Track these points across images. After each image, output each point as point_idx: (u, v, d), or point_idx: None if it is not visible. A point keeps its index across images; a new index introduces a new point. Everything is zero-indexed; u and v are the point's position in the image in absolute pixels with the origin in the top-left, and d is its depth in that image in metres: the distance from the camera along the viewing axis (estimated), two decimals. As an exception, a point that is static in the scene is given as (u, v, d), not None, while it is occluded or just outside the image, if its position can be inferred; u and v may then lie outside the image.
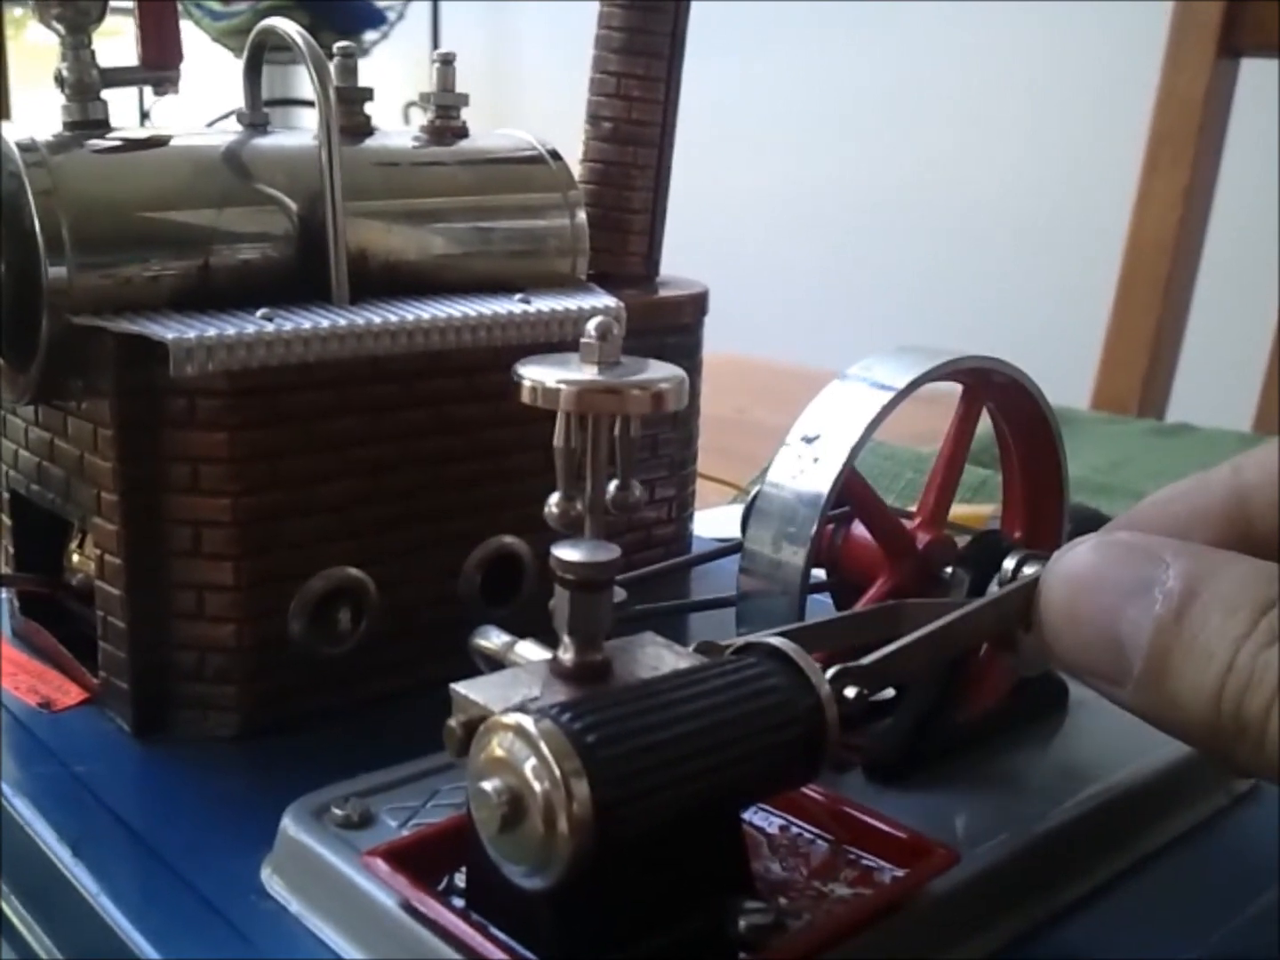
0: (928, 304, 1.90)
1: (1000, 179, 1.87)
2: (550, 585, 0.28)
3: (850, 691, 0.26)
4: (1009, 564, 0.33)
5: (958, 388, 0.36)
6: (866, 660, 0.27)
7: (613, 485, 0.29)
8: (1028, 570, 0.33)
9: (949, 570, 0.34)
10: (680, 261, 0.51)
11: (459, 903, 0.27)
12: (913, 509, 0.36)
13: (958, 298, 1.88)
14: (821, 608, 0.35)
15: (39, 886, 0.32)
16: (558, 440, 0.28)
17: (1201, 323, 1.08)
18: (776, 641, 0.26)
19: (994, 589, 0.33)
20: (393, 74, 2.28)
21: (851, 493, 0.34)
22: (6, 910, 0.33)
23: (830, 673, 0.26)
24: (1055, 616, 0.27)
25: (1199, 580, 0.25)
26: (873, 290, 2.01)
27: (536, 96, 2.12)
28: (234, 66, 0.40)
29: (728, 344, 0.64)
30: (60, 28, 0.37)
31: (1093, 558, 0.26)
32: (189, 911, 0.29)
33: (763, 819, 0.30)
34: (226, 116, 0.46)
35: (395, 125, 0.43)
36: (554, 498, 0.29)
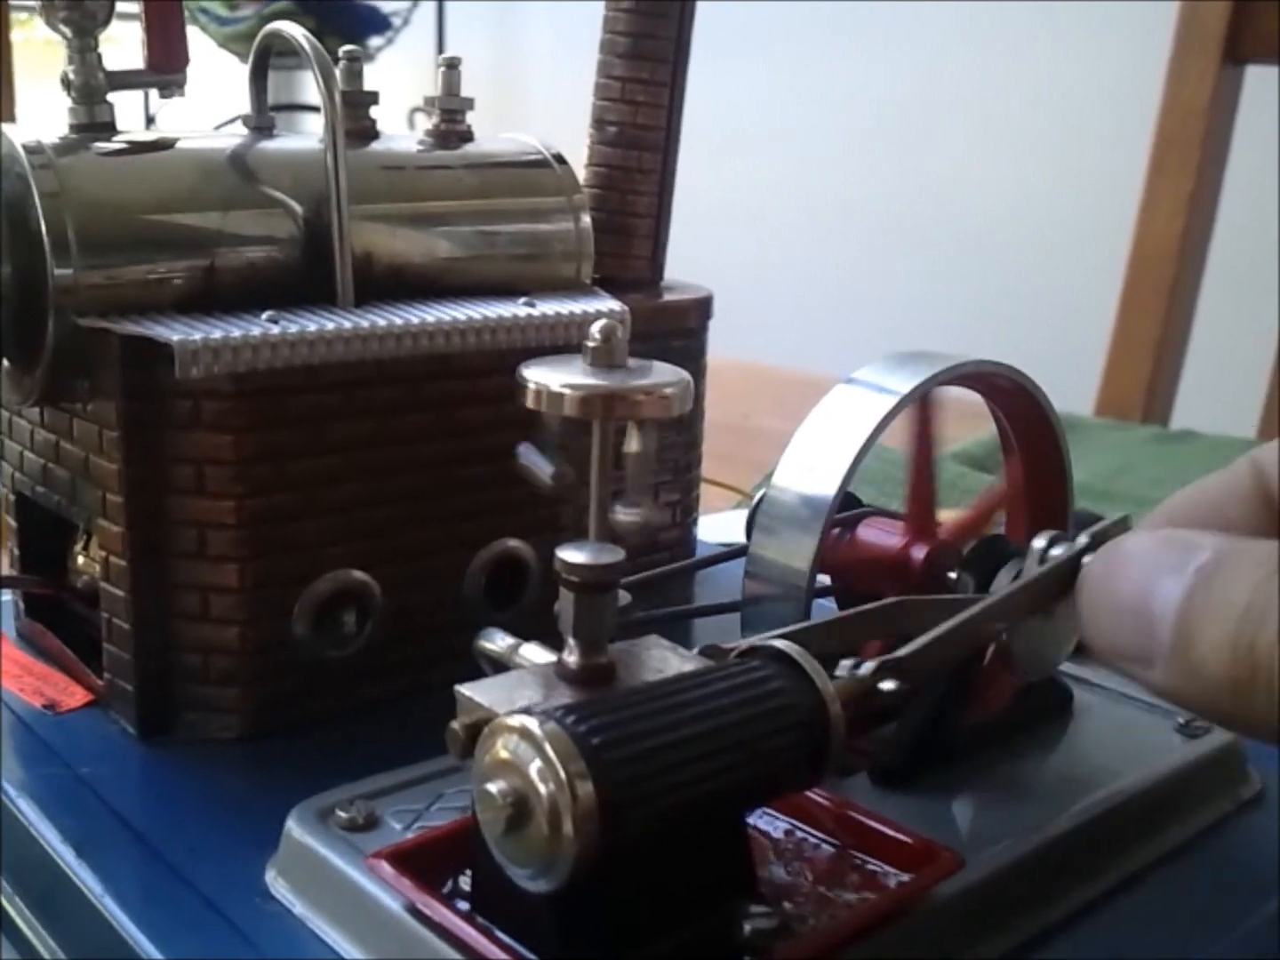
0: (932, 310, 1.90)
1: (1005, 185, 1.87)
2: (554, 589, 0.28)
3: (888, 685, 0.26)
4: (1039, 543, 0.32)
5: (962, 393, 0.36)
6: (904, 652, 0.27)
7: (619, 506, 0.28)
8: (1056, 551, 0.32)
9: (953, 575, 0.34)
10: (684, 266, 0.51)
11: (464, 906, 0.27)
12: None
13: (962, 303, 1.88)
14: (826, 612, 0.35)
15: (43, 888, 0.32)
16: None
17: (1206, 329, 1.08)
18: (781, 644, 0.26)
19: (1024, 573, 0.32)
20: (398, 79, 2.28)
21: (836, 556, 0.34)
22: (10, 911, 0.33)
23: (869, 666, 0.26)
24: (1092, 594, 0.27)
25: (1229, 552, 0.25)
26: (877, 295, 2.01)
27: (541, 100, 2.12)
28: (239, 72, 0.40)
29: (732, 349, 0.64)
30: (67, 31, 0.37)
31: (1136, 543, 0.27)
32: (193, 913, 0.29)
33: (768, 823, 0.30)
34: (232, 121, 0.46)
35: (400, 130, 0.43)
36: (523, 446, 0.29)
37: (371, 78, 0.41)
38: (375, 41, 2.39)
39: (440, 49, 2.54)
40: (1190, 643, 0.24)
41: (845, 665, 0.27)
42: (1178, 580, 0.25)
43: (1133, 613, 0.25)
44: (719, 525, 0.58)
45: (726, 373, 0.52)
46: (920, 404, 0.35)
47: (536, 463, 0.29)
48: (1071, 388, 0.69)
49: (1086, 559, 0.29)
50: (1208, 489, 0.30)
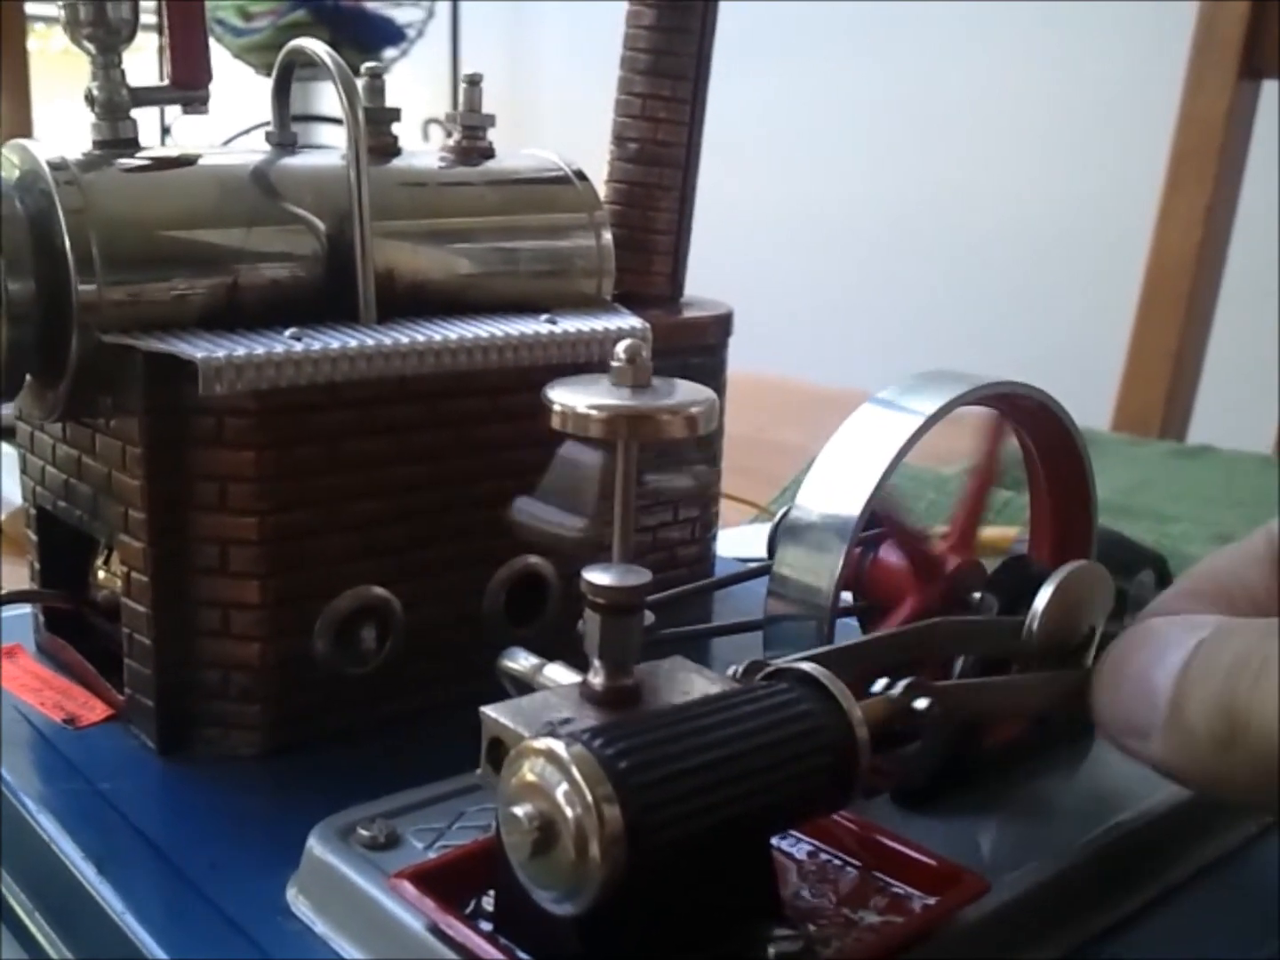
0: (949, 324, 1.90)
1: (1022, 198, 1.87)
2: (574, 606, 0.28)
3: (922, 703, 0.26)
4: None
5: (980, 410, 0.36)
6: (943, 683, 0.27)
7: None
8: None
9: (977, 596, 0.34)
10: (704, 282, 0.51)
11: (487, 926, 0.26)
12: (936, 529, 0.36)
13: (979, 317, 1.88)
14: (848, 631, 0.35)
15: (63, 903, 0.32)
16: None
17: (1223, 343, 1.08)
18: (808, 667, 0.26)
19: None
20: (413, 91, 2.29)
21: (884, 515, 0.34)
22: (30, 926, 0.33)
23: (903, 684, 0.27)
24: (1108, 668, 0.28)
25: (1226, 625, 0.26)
26: (894, 310, 2.01)
27: (556, 114, 2.12)
28: (255, 82, 0.40)
29: (748, 363, 0.64)
30: (91, 47, 0.37)
31: (1153, 623, 0.28)
32: (213, 930, 0.29)
33: (792, 845, 0.30)
34: (248, 132, 0.46)
35: (414, 142, 0.43)
36: None
37: (386, 90, 0.42)
38: (390, 52, 2.39)
39: (455, 60, 2.54)
40: (1182, 708, 0.26)
41: (881, 683, 0.27)
42: (1180, 654, 0.26)
43: (1139, 685, 0.27)
44: (736, 540, 0.58)
45: (740, 385, 0.52)
46: (997, 421, 0.35)
47: (542, 515, 0.29)
48: (1089, 401, 0.69)
49: None
50: (1229, 555, 0.32)
